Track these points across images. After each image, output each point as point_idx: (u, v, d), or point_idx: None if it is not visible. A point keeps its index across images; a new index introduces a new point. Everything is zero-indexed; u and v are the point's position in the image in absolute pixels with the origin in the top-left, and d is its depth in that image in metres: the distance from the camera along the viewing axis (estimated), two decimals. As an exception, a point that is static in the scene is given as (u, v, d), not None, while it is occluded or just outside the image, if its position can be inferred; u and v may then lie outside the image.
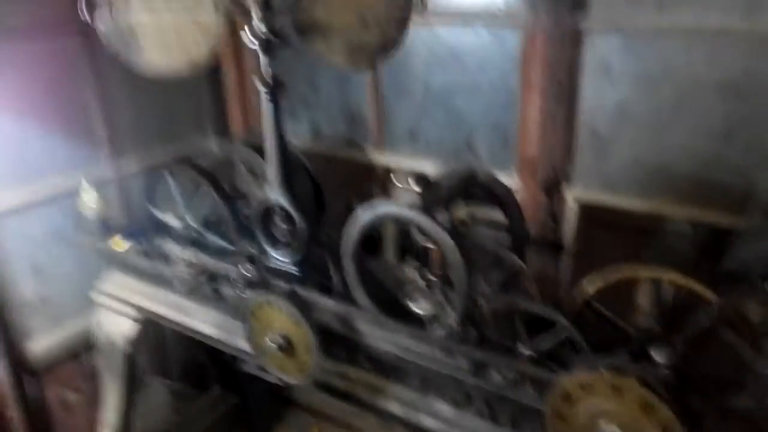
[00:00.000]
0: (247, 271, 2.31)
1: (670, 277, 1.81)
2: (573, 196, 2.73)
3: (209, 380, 3.91)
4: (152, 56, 2.10)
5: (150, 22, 2.03)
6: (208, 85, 3.64)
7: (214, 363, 3.85)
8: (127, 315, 2.91)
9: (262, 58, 1.97)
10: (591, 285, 1.87)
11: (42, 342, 3.14)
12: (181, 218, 2.72)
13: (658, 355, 1.67)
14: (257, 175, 3.08)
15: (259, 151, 2.75)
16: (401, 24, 1.82)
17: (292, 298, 2.09)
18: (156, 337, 3.61)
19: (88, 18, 1.97)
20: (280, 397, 4.19)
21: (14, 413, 2.97)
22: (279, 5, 1.86)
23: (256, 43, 1.93)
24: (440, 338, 1.94)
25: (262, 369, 2.32)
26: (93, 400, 3.40)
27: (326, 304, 2.16)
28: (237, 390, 3.99)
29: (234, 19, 1.95)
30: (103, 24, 2.03)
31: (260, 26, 1.90)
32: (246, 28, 1.92)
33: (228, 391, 3.95)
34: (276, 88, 2.05)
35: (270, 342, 2.14)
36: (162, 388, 3.75)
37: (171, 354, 3.77)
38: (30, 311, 3.07)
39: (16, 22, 2.77)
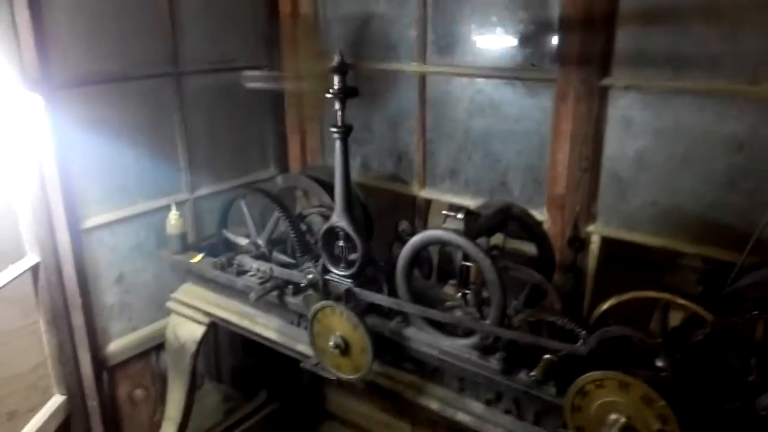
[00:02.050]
0: (311, 276, 2.70)
1: (674, 298, 2.16)
2: (596, 231, 3.07)
3: (257, 386, 4.29)
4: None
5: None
6: (273, 126, 4.12)
7: (262, 369, 4.23)
8: (197, 320, 3.33)
9: (338, 107, 2.42)
10: (606, 303, 2.23)
11: (118, 343, 3.55)
12: (251, 237, 3.15)
13: (660, 362, 2.01)
14: (310, 201, 3.53)
15: (317, 181, 3.20)
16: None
17: (350, 298, 2.49)
18: (213, 342, 4.02)
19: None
20: (318, 408, 4.55)
21: (94, 403, 3.37)
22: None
23: (336, 96, 2.40)
24: (476, 342, 2.30)
25: (319, 367, 2.69)
26: (155, 398, 3.81)
27: (378, 299, 2.54)
28: (279, 398, 4.36)
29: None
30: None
31: (341, 85, 2.39)
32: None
33: (272, 398, 4.32)
34: (345, 131, 2.49)
35: (330, 343, 2.52)
36: (214, 390, 4.13)
37: (223, 359, 4.16)
38: (111, 315, 3.49)
39: (122, 70, 3.30)
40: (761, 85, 2.50)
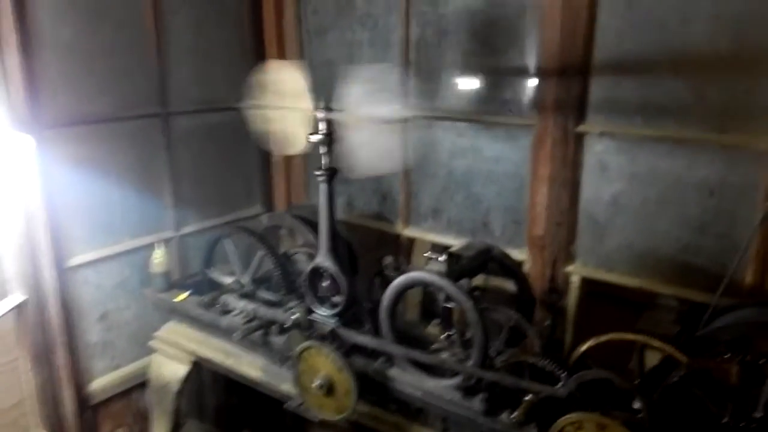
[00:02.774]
0: (295, 316, 2.73)
1: (649, 341, 2.23)
2: (575, 272, 3.15)
3: (240, 425, 4.25)
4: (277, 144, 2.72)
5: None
6: (258, 165, 4.19)
7: (246, 408, 4.20)
8: (180, 359, 3.33)
9: (323, 151, 2.50)
10: (585, 345, 2.29)
11: (101, 381, 3.53)
12: (235, 276, 3.17)
13: (637, 403, 2.07)
14: (295, 240, 3.57)
15: (302, 220, 3.25)
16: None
17: (334, 338, 2.52)
18: (196, 380, 3.99)
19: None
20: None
21: (74, 444, 3.35)
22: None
23: (320, 140, 2.47)
24: (459, 383, 2.35)
25: (303, 408, 2.70)
26: (136, 438, 3.79)
27: (363, 341, 2.58)
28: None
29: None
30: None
31: (326, 130, 2.46)
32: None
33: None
34: (330, 173, 2.56)
35: (314, 384, 2.55)
36: (197, 429, 4.09)
37: (207, 398, 4.14)
38: (94, 353, 3.48)
39: (110, 110, 3.35)
40: (728, 135, 2.63)
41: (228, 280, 3.23)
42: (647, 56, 2.76)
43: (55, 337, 3.18)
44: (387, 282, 2.79)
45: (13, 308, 2.98)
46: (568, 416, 2.01)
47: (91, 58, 3.24)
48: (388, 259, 2.97)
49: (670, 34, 2.68)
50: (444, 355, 2.47)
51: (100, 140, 3.31)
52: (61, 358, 3.22)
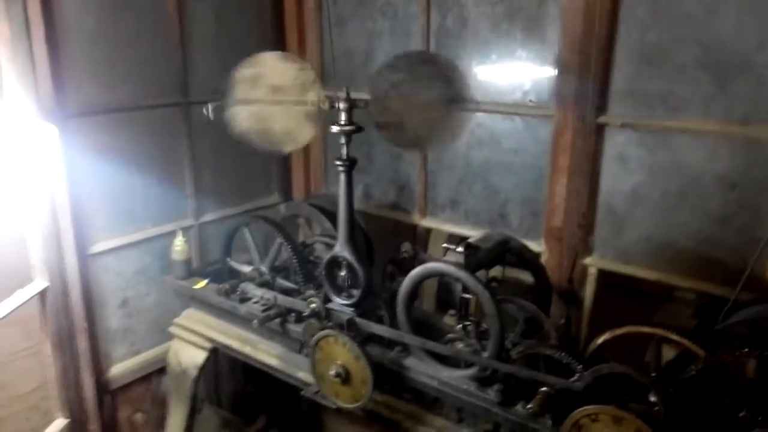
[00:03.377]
0: (313, 304, 2.75)
1: (667, 334, 2.22)
2: (593, 264, 3.14)
3: (256, 411, 4.31)
4: (273, 138, 2.67)
5: (268, 115, 2.60)
6: (278, 155, 4.22)
7: (262, 395, 4.25)
8: (199, 346, 3.37)
9: (344, 142, 2.51)
10: (601, 337, 2.29)
11: (120, 366, 3.59)
12: (254, 264, 3.21)
13: (653, 396, 2.06)
14: (312, 229, 3.59)
15: (319, 209, 3.27)
16: (454, 126, 2.35)
17: (351, 327, 2.55)
18: (213, 367, 4.05)
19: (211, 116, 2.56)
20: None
21: (94, 427, 3.41)
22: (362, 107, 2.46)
23: (341, 131, 2.48)
24: (474, 374, 2.36)
25: (319, 395, 2.73)
26: (154, 423, 3.84)
27: (379, 330, 2.60)
28: (278, 423, 4.37)
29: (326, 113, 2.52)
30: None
31: (346, 121, 2.47)
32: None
33: (271, 424, 4.34)
34: (350, 164, 2.57)
35: (331, 372, 2.57)
36: (214, 415, 4.15)
37: (224, 384, 4.20)
38: (114, 339, 3.54)
39: (133, 99, 3.39)
40: (751, 127, 2.59)
41: (247, 268, 3.26)
42: (671, 47, 2.72)
43: (76, 322, 3.24)
44: (400, 269, 2.82)
45: (35, 294, 3.03)
46: (583, 408, 2.01)
47: (114, 48, 3.27)
48: (406, 245, 2.98)
49: (695, 26, 2.65)
50: (460, 346, 2.47)
51: (122, 129, 3.35)
52: (82, 343, 3.28)
